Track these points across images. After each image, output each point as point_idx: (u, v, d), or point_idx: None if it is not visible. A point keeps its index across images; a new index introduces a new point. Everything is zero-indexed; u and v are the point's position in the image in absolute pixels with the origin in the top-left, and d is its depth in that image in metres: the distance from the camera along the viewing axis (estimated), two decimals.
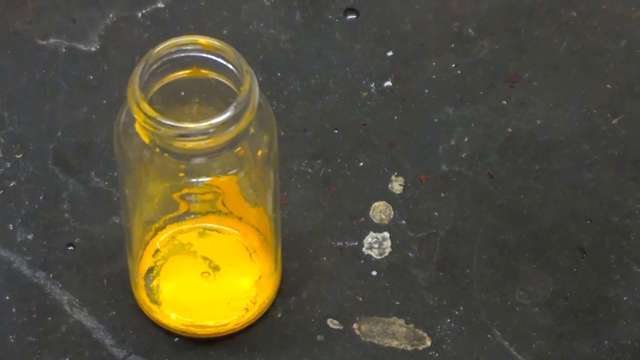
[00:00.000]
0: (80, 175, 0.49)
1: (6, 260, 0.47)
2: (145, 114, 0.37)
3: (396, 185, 0.49)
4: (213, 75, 0.40)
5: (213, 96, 0.41)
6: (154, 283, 0.46)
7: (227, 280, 0.46)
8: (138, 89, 0.38)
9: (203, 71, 0.40)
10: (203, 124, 0.37)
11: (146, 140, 0.39)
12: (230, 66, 0.39)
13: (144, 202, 0.44)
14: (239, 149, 0.39)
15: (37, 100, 0.51)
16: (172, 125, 0.37)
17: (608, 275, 0.47)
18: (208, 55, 0.39)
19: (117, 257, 0.47)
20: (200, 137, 0.38)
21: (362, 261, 0.48)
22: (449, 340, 0.46)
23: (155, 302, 0.45)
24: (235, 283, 0.46)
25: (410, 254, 0.48)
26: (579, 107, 0.51)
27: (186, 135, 0.38)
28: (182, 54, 0.40)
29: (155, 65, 0.39)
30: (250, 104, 0.38)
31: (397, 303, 0.47)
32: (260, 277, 0.45)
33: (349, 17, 0.53)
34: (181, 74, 0.40)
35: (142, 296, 0.45)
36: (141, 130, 0.39)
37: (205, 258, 0.45)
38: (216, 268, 0.45)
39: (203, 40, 0.39)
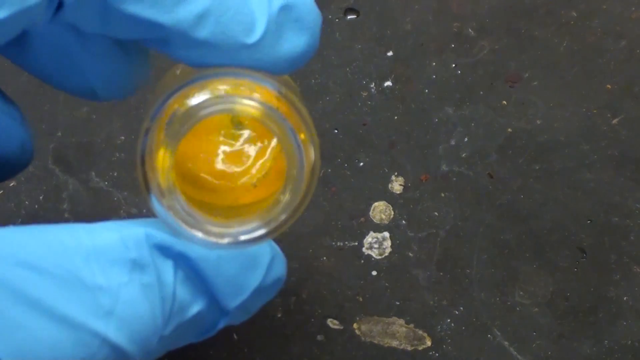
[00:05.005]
0: (80, 175, 0.49)
1: None
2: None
3: (396, 185, 0.49)
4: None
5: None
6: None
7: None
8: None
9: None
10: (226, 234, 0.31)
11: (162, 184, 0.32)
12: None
13: None
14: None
15: (37, 100, 0.51)
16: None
17: (608, 275, 0.47)
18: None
19: None
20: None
21: (362, 261, 0.48)
22: (449, 340, 0.46)
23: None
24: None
25: (410, 254, 0.48)
26: (579, 107, 0.51)
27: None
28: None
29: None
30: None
31: (397, 303, 0.47)
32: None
33: (349, 17, 0.53)
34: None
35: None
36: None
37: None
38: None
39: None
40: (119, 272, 0.27)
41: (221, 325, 0.30)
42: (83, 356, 0.25)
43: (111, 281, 0.26)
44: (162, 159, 0.31)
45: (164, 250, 0.28)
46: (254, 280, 0.30)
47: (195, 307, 0.29)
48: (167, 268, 0.28)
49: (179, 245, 0.28)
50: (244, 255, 0.30)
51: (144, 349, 0.27)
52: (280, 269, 0.32)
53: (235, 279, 0.30)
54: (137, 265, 0.27)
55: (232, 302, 0.30)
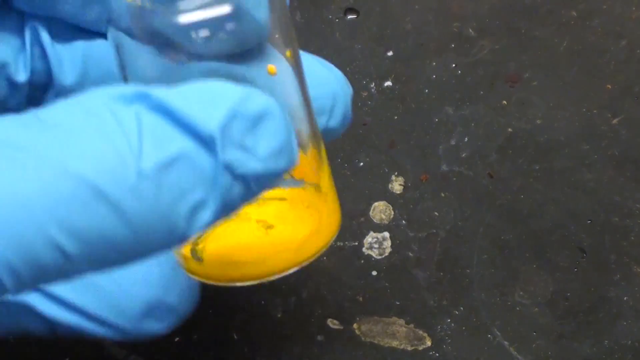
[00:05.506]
0: None
1: None
2: None
3: (396, 185, 0.49)
4: None
5: None
6: (199, 246, 0.38)
7: (281, 232, 0.39)
8: None
9: None
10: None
11: None
12: None
13: None
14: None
15: None
16: None
17: (608, 275, 0.47)
18: None
19: None
20: None
21: (362, 261, 0.48)
22: (449, 340, 0.46)
23: (199, 259, 0.38)
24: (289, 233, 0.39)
25: (410, 254, 0.48)
26: (579, 107, 0.51)
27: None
28: None
29: None
30: None
31: (397, 303, 0.47)
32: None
33: (349, 17, 0.53)
34: None
35: (184, 252, 0.37)
36: None
37: (259, 220, 0.39)
38: (269, 227, 0.38)
39: None
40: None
41: (220, 170, 0.26)
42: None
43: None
44: None
45: (122, 99, 0.25)
46: (227, 99, 0.26)
47: (176, 143, 0.26)
48: (126, 110, 0.25)
49: (136, 89, 0.25)
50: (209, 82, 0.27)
51: (123, 187, 0.24)
52: (261, 99, 0.27)
53: (202, 99, 0.27)
54: (90, 113, 0.25)
55: (210, 123, 0.25)
